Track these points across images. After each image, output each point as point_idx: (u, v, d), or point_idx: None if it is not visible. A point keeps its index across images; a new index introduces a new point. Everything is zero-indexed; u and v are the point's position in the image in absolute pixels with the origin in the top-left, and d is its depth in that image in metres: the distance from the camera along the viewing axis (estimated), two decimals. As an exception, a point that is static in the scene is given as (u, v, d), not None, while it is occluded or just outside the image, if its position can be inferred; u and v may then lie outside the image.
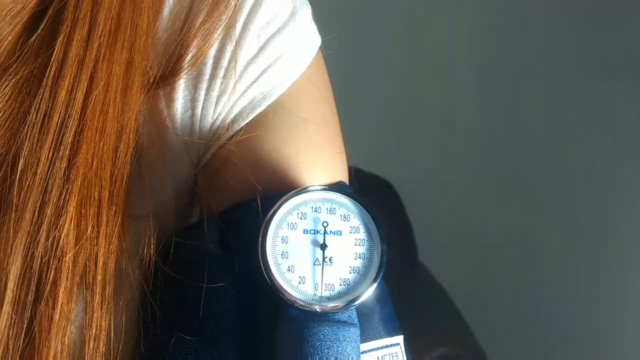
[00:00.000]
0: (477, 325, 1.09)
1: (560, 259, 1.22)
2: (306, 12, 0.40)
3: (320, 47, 0.40)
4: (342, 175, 0.38)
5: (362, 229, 0.32)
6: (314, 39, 0.40)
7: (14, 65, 0.35)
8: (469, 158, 1.32)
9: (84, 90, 0.35)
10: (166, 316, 0.33)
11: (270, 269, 0.30)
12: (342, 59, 0.46)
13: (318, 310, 0.30)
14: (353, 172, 0.40)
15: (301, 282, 0.30)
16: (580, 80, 1.18)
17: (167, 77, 0.37)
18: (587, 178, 1.18)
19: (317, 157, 0.37)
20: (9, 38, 0.36)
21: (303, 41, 0.39)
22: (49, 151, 0.34)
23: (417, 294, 1.09)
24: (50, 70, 0.35)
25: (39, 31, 0.36)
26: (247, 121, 0.37)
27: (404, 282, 1.05)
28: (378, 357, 0.32)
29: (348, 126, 0.43)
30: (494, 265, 1.27)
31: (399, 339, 0.33)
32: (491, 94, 1.29)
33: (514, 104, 1.27)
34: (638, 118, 1.12)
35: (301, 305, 0.30)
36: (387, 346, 0.32)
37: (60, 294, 0.34)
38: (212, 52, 0.37)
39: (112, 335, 0.35)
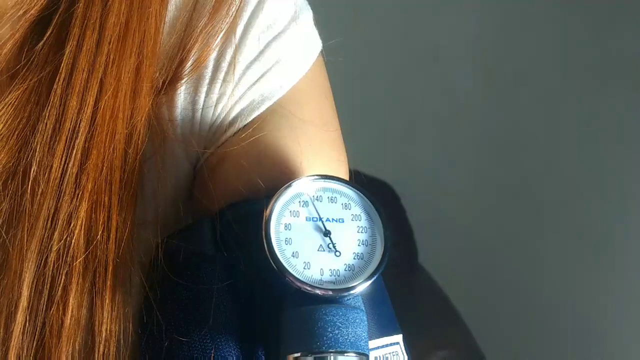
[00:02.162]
0: (477, 328, 1.08)
1: (560, 261, 1.22)
2: (307, 16, 0.40)
3: (321, 52, 0.41)
4: (342, 176, 0.38)
5: (363, 216, 0.32)
6: (314, 44, 0.40)
7: (21, 74, 0.35)
8: (469, 161, 1.32)
9: (94, 95, 0.35)
10: (164, 319, 0.33)
11: (276, 254, 0.30)
12: (343, 61, 0.46)
13: (325, 294, 0.30)
14: (353, 174, 0.40)
15: (306, 267, 0.30)
16: (581, 82, 1.18)
17: (169, 82, 0.37)
18: (588, 181, 1.18)
19: (316, 159, 0.37)
20: (9, 44, 0.36)
21: (303, 45, 0.39)
22: (61, 158, 0.34)
23: (418, 297, 1.08)
24: (60, 77, 0.35)
25: (45, 38, 0.36)
26: (245, 122, 0.37)
27: (404, 285, 1.05)
28: (379, 357, 0.32)
29: (349, 129, 0.44)
30: (494, 268, 1.27)
31: (398, 337, 0.33)
32: (492, 96, 1.29)
33: (515, 106, 1.27)
34: (638, 120, 1.12)
35: (308, 289, 0.30)
36: (387, 345, 0.33)
37: (71, 299, 0.34)
38: (213, 55, 0.38)
39: (121, 340, 0.35)
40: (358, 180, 0.40)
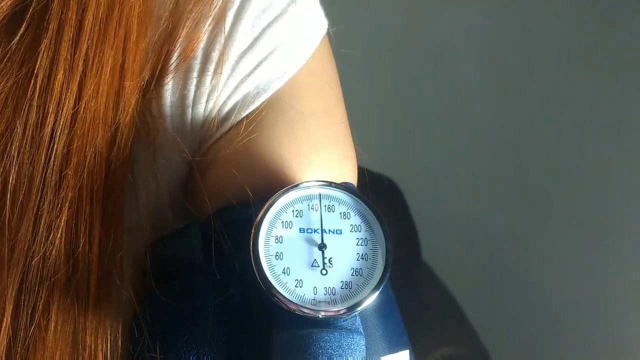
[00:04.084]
0: (481, 326, 1.08)
1: (565, 259, 1.21)
2: None
3: (328, 32, 0.37)
4: (348, 176, 0.35)
5: (363, 227, 0.29)
6: (318, 25, 0.36)
7: None
8: (473, 157, 1.31)
9: (74, 98, 0.32)
10: (151, 332, 0.31)
11: (264, 271, 0.27)
12: (347, 58, 0.44)
13: (318, 316, 0.27)
14: (366, 171, 0.38)
15: (298, 285, 0.27)
16: (586, 78, 1.17)
17: (156, 79, 0.34)
18: (594, 177, 1.17)
19: (318, 158, 0.34)
20: None
21: (305, 28, 0.36)
22: (42, 165, 0.32)
23: (421, 294, 1.08)
24: (36, 79, 0.32)
25: (19, 36, 0.33)
26: (239, 118, 0.34)
27: (408, 282, 1.04)
28: None
29: (352, 125, 0.41)
30: (499, 265, 1.27)
31: (405, 354, 0.31)
32: (496, 92, 1.28)
33: (520, 103, 1.26)
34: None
35: (299, 310, 0.27)
36: None
37: (53, 315, 0.32)
38: (202, 44, 0.34)
39: (108, 355, 0.33)
40: (361, 176, 0.37)
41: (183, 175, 0.36)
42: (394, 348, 0.31)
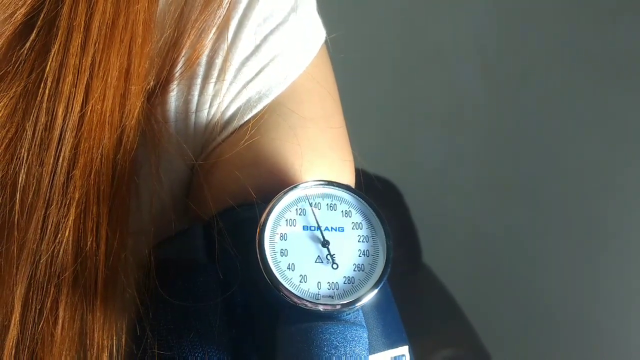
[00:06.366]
0: (481, 327, 1.08)
1: (565, 260, 1.21)
2: (309, 5, 0.38)
3: (326, 41, 0.38)
4: (346, 179, 0.36)
5: (364, 225, 0.30)
6: (317, 35, 0.38)
7: (7, 80, 0.34)
8: (473, 159, 1.31)
9: (81, 101, 0.33)
10: (155, 331, 0.32)
11: (270, 267, 0.28)
12: (346, 59, 0.45)
13: (322, 309, 0.28)
14: (361, 173, 0.39)
15: (302, 280, 0.28)
16: (585, 79, 1.17)
17: (162, 85, 0.35)
18: (592, 178, 1.17)
19: (318, 160, 0.35)
20: None
21: (305, 37, 0.37)
22: (50, 166, 0.33)
23: (422, 296, 1.08)
24: (46, 83, 0.33)
25: (28, 43, 0.34)
26: (242, 122, 0.35)
27: (409, 284, 1.04)
28: None
29: (351, 126, 0.42)
30: (499, 267, 1.27)
31: (404, 349, 0.32)
32: (496, 94, 1.28)
33: (519, 104, 1.26)
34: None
35: (304, 304, 0.28)
36: (392, 358, 0.31)
37: (61, 312, 0.33)
38: (206, 52, 0.35)
39: (114, 353, 0.34)
40: (359, 179, 0.38)
41: (186, 178, 0.37)
42: (394, 344, 0.32)
